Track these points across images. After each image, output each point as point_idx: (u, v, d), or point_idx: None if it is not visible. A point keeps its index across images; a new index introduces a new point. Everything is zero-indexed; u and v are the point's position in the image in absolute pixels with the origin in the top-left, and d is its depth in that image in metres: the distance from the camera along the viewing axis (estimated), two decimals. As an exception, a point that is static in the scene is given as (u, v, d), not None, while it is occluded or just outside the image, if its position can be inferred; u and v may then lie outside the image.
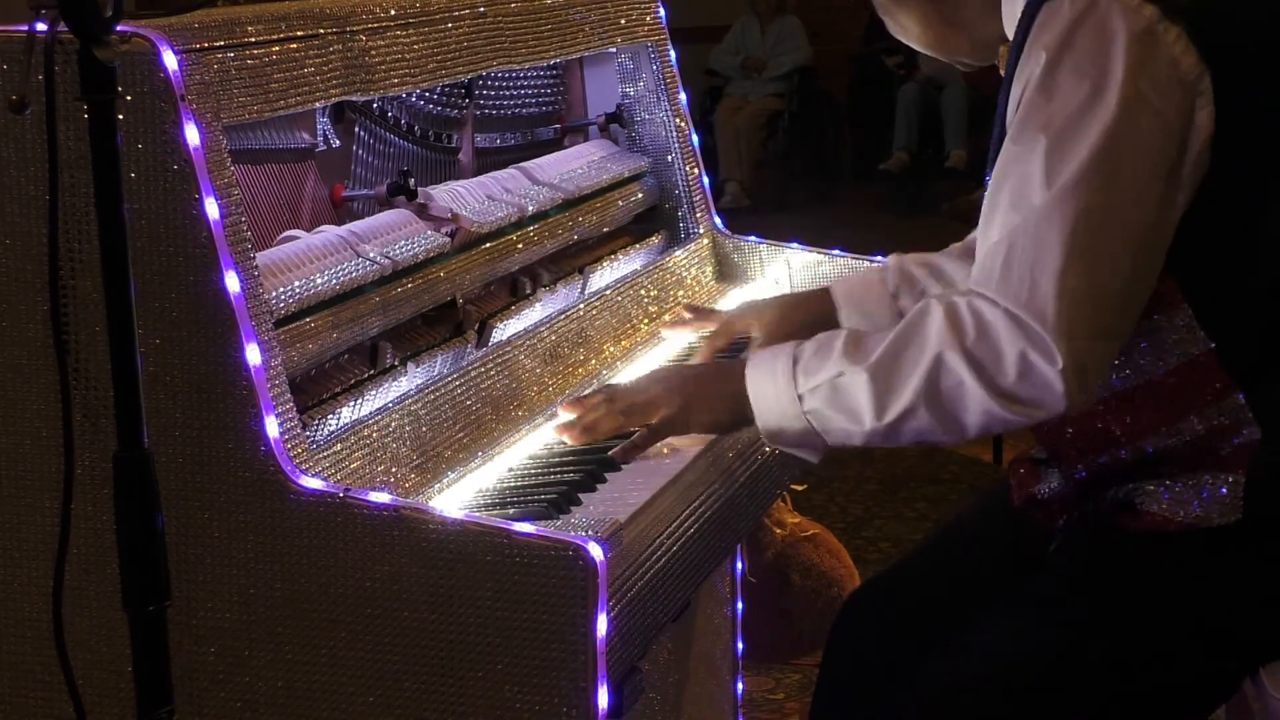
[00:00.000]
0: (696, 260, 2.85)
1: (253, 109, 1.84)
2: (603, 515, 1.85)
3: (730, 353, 2.43)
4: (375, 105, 2.30)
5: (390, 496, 1.75)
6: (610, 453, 2.02)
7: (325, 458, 1.81)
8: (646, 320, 2.63)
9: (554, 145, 2.83)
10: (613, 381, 2.39)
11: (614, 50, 2.80)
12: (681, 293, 2.76)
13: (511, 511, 1.88)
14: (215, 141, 1.76)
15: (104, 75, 1.55)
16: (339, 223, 2.15)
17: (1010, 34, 1.98)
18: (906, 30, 2.10)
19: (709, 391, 1.99)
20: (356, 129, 2.29)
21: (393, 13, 2.13)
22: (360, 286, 2.03)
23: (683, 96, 2.90)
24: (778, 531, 3.69)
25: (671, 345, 2.60)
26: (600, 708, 1.69)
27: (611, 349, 2.49)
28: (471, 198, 2.36)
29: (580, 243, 2.62)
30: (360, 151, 2.29)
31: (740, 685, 2.98)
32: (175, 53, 1.72)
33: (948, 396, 1.76)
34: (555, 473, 2.03)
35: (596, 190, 2.68)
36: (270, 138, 2.10)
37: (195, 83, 1.75)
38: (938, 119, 9.91)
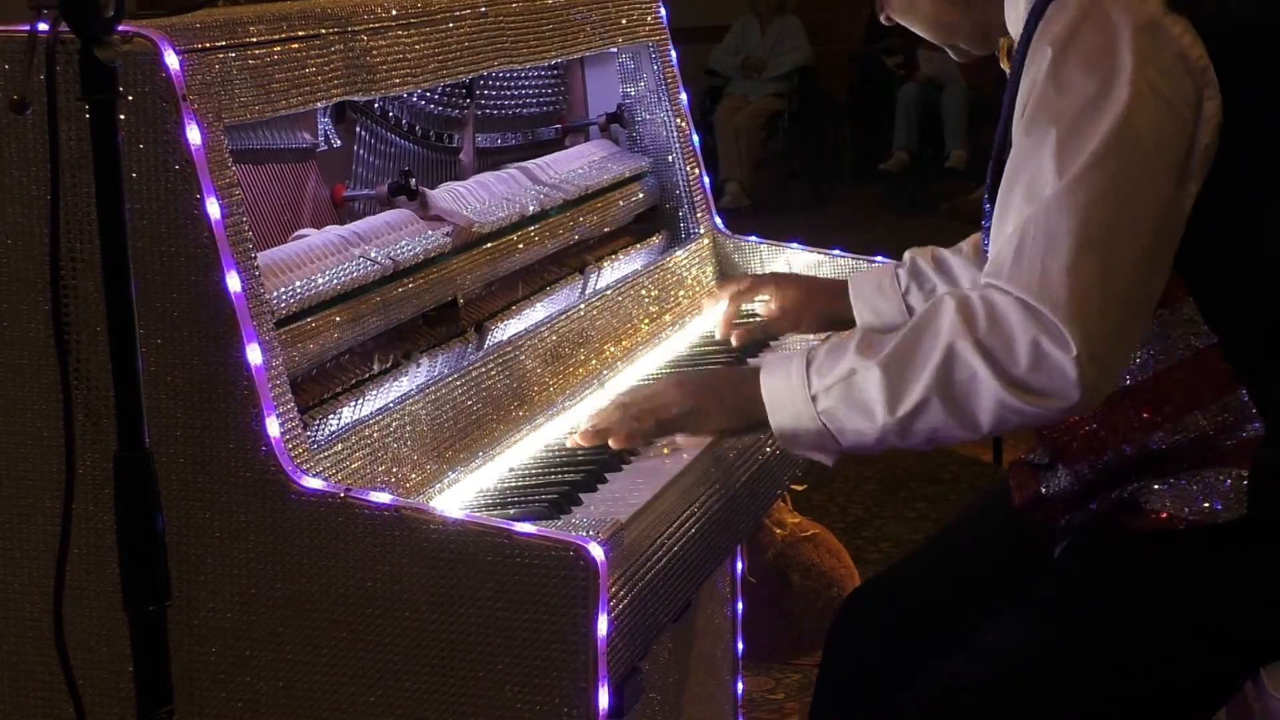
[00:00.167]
0: (697, 260, 2.85)
1: (254, 109, 1.84)
2: (603, 515, 1.85)
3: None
4: (376, 105, 2.30)
5: (391, 496, 1.75)
6: (610, 439, 2.02)
7: (326, 458, 1.81)
8: (647, 320, 2.63)
9: (555, 145, 2.83)
10: (615, 381, 2.39)
11: (615, 50, 2.80)
12: (682, 293, 2.76)
13: (512, 512, 1.89)
14: (216, 141, 1.76)
15: (105, 75, 1.55)
16: (340, 223, 2.15)
17: (1011, 27, 1.98)
18: (912, 5, 2.08)
19: (722, 394, 1.99)
20: (358, 129, 2.29)
21: (394, 13, 2.13)
22: (361, 286, 2.03)
23: (683, 96, 2.90)
24: (778, 531, 3.69)
25: (672, 345, 2.60)
26: (601, 708, 1.69)
27: (612, 349, 2.49)
28: (472, 198, 2.36)
29: (581, 243, 2.62)
30: (361, 151, 2.29)
31: (740, 685, 2.98)
32: (177, 53, 1.72)
33: (960, 389, 1.75)
34: (556, 473, 2.04)
35: (597, 190, 2.67)
36: (271, 138, 2.10)
37: (197, 83, 1.75)
38: (938, 119, 9.90)
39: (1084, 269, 1.71)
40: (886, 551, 4.42)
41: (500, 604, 1.69)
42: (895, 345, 1.79)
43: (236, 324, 1.73)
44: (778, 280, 2.57)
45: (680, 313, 2.72)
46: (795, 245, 2.92)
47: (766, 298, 2.55)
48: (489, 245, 2.33)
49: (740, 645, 2.96)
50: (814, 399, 1.84)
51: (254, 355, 1.73)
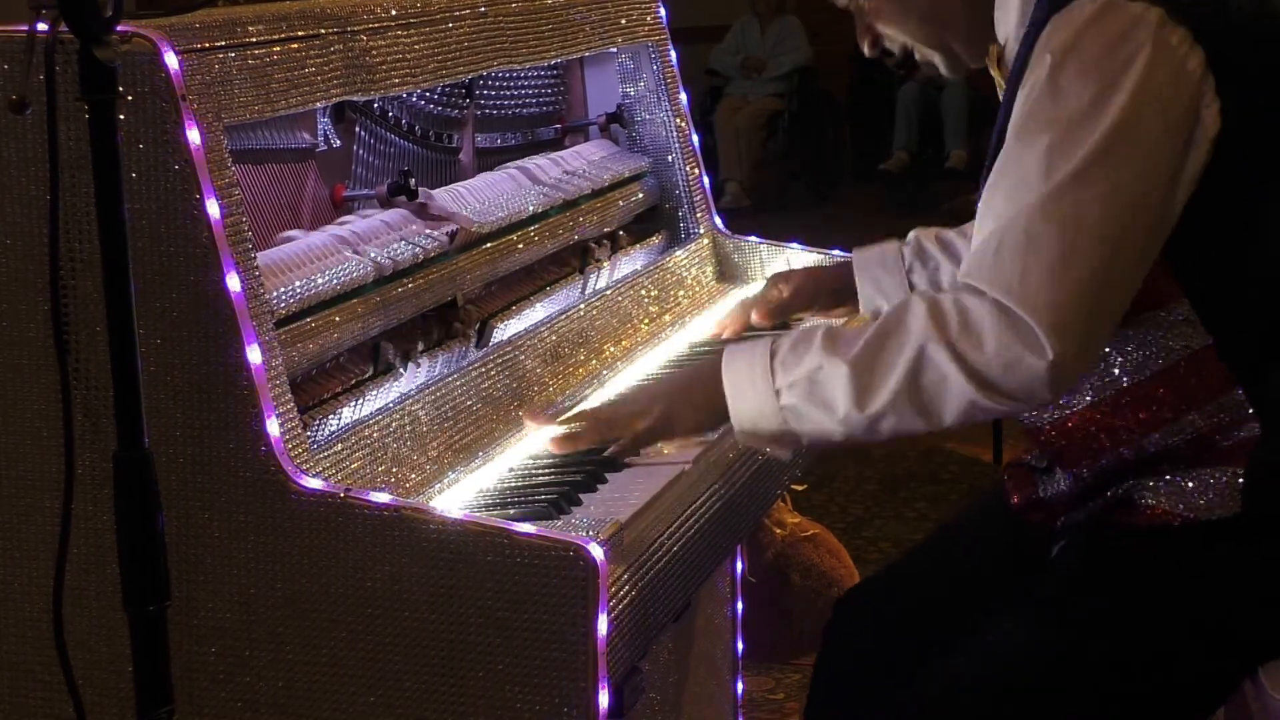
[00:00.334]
0: (697, 260, 2.85)
1: (254, 109, 1.84)
2: (603, 515, 1.85)
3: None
4: (376, 105, 2.30)
5: (391, 496, 1.75)
6: (607, 452, 2.02)
7: (326, 458, 1.81)
8: (647, 320, 2.63)
9: (554, 145, 2.83)
10: (615, 381, 2.40)
11: (614, 50, 2.80)
12: (682, 293, 2.76)
13: (512, 512, 1.88)
14: (216, 141, 1.76)
15: (105, 75, 1.55)
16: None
17: (999, 31, 1.98)
18: (905, 8, 2.06)
19: (689, 394, 1.98)
20: (357, 129, 2.29)
21: (394, 13, 2.13)
22: (361, 286, 2.03)
23: (683, 96, 2.90)
24: (778, 531, 3.69)
25: (672, 345, 2.60)
26: (601, 708, 1.69)
27: (612, 349, 2.49)
28: (472, 198, 2.36)
29: (581, 243, 2.62)
30: (361, 151, 2.29)
31: (740, 685, 2.98)
32: (176, 53, 1.72)
33: (930, 389, 1.76)
34: (556, 473, 2.03)
35: (597, 190, 2.68)
36: (271, 138, 2.10)
37: (196, 83, 1.75)
38: (938, 119, 9.91)
39: (1064, 276, 1.71)
40: (886, 551, 4.42)
41: (500, 604, 1.69)
42: (864, 344, 1.79)
43: (236, 324, 1.73)
44: (784, 275, 2.57)
45: (680, 313, 2.72)
46: (795, 245, 2.93)
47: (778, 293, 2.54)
48: (488, 245, 2.33)
49: (740, 645, 2.96)
50: (777, 393, 1.84)
51: (254, 355, 1.73)
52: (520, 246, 2.41)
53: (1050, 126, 1.75)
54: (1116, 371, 1.88)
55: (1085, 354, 1.76)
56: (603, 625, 1.67)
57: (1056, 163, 1.73)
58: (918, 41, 2.08)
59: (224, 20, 1.84)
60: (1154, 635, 1.88)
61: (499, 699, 1.70)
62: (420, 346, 2.13)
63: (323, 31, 1.98)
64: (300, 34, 1.94)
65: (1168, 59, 1.76)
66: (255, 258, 1.79)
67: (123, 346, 1.58)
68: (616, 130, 2.90)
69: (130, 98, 1.71)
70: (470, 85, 2.54)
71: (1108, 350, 1.87)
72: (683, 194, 2.89)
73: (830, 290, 2.52)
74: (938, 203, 8.94)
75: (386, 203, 2.24)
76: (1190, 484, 1.86)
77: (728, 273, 2.91)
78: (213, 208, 1.73)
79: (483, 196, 2.38)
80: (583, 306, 2.47)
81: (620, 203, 2.74)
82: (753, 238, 2.93)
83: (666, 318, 2.67)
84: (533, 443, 2.14)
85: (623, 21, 2.75)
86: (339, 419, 1.91)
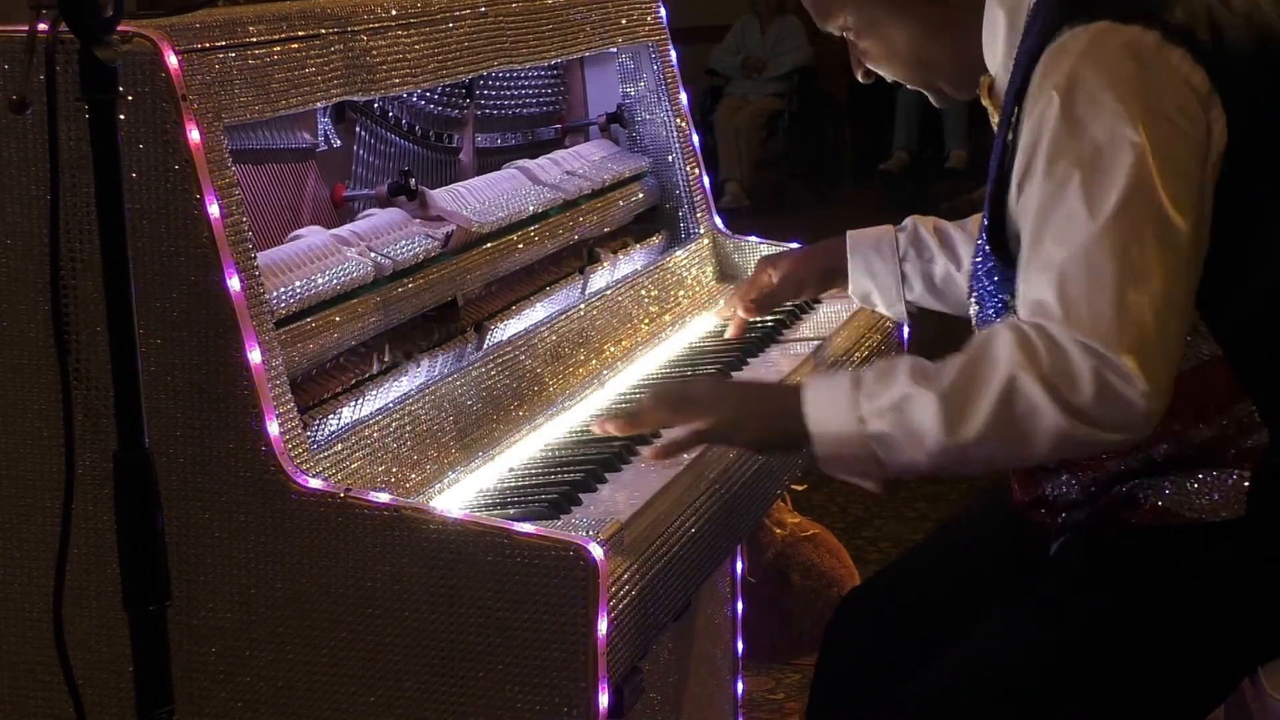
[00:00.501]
0: (697, 260, 2.85)
1: (254, 109, 1.84)
2: (603, 515, 1.86)
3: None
4: (376, 105, 2.30)
5: (391, 496, 1.75)
6: (649, 450, 1.99)
7: (326, 458, 1.81)
8: (647, 320, 2.63)
9: (555, 145, 2.83)
10: (615, 381, 2.39)
11: (615, 50, 2.80)
12: (682, 292, 2.76)
13: (512, 512, 1.89)
14: (216, 141, 1.76)
15: (105, 75, 1.55)
16: (340, 223, 2.15)
17: (989, 64, 1.98)
18: (891, 46, 2.07)
19: (762, 408, 1.95)
20: (357, 129, 2.29)
21: (394, 13, 2.13)
22: (361, 286, 2.03)
23: (683, 96, 2.90)
24: (778, 531, 3.69)
25: (672, 345, 2.60)
26: (601, 708, 1.69)
27: (612, 349, 2.49)
28: (472, 198, 2.36)
29: (581, 242, 2.62)
30: (361, 151, 2.29)
31: (740, 685, 2.98)
32: (176, 53, 1.72)
33: (1021, 421, 1.73)
34: (556, 473, 2.04)
35: (597, 190, 2.68)
36: (271, 138, 2.10)
37: (196, 83, 1.75)
38: (938, 119, 9.90)
39: (1133, 304, 1.71)
40: (886, 551, 4.41)
41: (500, 604, 1.69)
42: (954, 375, 1.77)
43: (236, 324, 1.73)
44: (770, 260, 2.56)
45: (680, 313, 2.72)
46: (795, 245, 2.92)
47: (765, 286, 2.54)
48: (488, 245, 2.33)
49: (740, 645, 2.96)
50: (862, 420, 1.81)
51: (254, 355, 1.73)
52: (520, 246, 2.41)
53: (1079, 163, 1.74)
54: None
55: (1169, 376, 1.74)
56: (603, 625, 1.68)
57: (1096, 196, 1.73)
58: (905, 81, 2.11)
59: (224, 20, 1.85)
60: (1154, 635, 1.88)
61: (499, 699, 1.70)
62: (420, 346, 2.13)
63: (323, 31, 1.98)
64: (300, 34, 1.94)
65: (1172, 77, 1.77)
66: (255, 258, 1.79)
67: (123, 346, 1.58)
68: (617, 130, 2.90)
69: (130, 98, 1.71)
70: (470, 85, 2.54)
71: None
72: (683, 194, 2.89)
73: (820, 272, 2.51)
74: (938, 202, 8.93)
75: (387, 203, 2.24)
76: (1195, 485, 1.86)
77: (728, 273, 2.91)
78: (213, 208, 1.73)
79: (483, 196, 2.38)
80: (583, 306, 2.47)
81: (620, 203, 2.74)
82: (753, 238, 2.93)
83: (667, 318, 2.67)
84: (533, 443, 2.15)
85: (623, 21, 2.75)
86: (339, 419, 1.91)
